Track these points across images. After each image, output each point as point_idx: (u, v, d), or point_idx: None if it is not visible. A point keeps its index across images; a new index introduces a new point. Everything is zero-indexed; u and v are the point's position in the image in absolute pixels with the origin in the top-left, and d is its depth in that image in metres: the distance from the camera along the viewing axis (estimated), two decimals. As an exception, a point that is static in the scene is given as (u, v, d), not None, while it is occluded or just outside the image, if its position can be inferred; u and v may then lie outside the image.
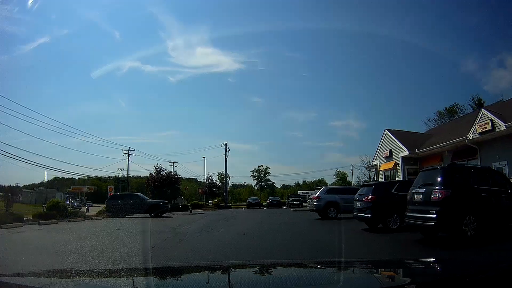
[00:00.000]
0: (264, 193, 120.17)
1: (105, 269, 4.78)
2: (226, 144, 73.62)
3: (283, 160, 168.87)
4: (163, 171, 60.77)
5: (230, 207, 69.06)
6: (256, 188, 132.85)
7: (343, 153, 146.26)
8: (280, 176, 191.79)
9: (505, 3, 78.55)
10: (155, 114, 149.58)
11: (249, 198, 72.62)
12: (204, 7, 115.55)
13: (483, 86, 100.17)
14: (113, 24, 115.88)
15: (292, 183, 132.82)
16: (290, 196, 67.60)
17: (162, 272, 3.38)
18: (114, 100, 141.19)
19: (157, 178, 59.48)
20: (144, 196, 38.92)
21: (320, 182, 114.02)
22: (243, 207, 67.26)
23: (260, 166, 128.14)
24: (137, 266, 6.22)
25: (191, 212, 45.36)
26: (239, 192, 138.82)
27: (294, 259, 9.79)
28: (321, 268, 3.66)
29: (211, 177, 78.26)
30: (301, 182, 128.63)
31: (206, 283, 3.08)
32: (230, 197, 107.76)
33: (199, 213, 42.74)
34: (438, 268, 3.34)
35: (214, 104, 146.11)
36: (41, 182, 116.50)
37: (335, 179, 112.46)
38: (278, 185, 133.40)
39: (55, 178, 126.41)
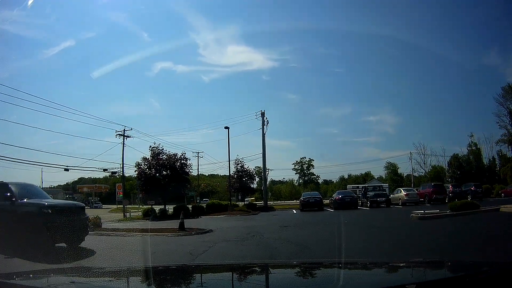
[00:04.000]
0: (307, 188, 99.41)
1: (105, 269, 4.09)
2: (263, 114, 46.20)
3: (320, 156, 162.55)
4: (163, 153, 34.74)
5: (272, 208, 43.81)
6: (297, 183, 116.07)
7: (379, 148, 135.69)
8: (321, 169, 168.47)
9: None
10: (189, 113, 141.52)
11: (304, 193, 42.87)
12: (233, 5, 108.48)
13: (507, 78, 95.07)
14: (141, 26, 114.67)
15: (333, 178, 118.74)
16: (367, 190, 41.02)
17: (162, 272, 3.22)
18: (147, 101, 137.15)
19: (154, 165, 33.87)
20: (17, 187, 12.18)
21: (367, 175, 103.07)
22: (292, 208, 42.07)
23: (303, 158, 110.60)
24: (138, 266, 5.46)
25: (181, 227, 17.71)
26: (279, 189, 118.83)
27: None
28: (321, 268, 3.46)
29: (242, 161, 46.79)
30: (346, 176, 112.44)
31: (207, 282, 2.93)
32: (269, 194, 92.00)
33: (202, 232, 17.29)
34: (438, 268, 3.15)
35: (249, 102, 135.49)
36: (66, 183, 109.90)
37: (385, 171, 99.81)
38: (321, 180, 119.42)
39: (81, 179, 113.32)
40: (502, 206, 22.39)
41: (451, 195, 38.15)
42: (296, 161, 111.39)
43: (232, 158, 45.50)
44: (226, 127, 43.06)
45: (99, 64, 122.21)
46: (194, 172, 76.27)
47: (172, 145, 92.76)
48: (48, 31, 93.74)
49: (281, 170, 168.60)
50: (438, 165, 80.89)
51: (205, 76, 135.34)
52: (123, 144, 47.01)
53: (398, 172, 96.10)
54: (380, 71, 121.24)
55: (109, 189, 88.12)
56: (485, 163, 77.13)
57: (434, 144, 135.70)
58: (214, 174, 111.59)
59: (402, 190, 40.67)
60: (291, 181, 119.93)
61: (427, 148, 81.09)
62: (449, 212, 21.10)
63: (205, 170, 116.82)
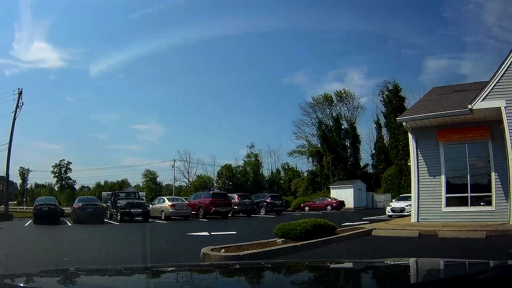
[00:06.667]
0: (64, 193, 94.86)
1: (105, 269, 3.77)
2: (20, 94, 34.53)
3: (86, 162, 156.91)
4: None
5: (10, 216, 31.24)
6: (56, 187, 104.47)
7: (140, 156, 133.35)
8: (79, 173, 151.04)
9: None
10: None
11: (38, 199, 30.77)
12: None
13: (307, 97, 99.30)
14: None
15: (91, 184, 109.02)
16: (117, 197, 29.45)
17: (162, 272, 3.13)
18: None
19: None
20: None
21: (124, 183, 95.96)
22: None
23: (62, 160, 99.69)
24: (138, 266, 5.75)
25: None
26: (39, 192, 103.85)
27: None
28: (319, 268, 3.21)
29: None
30: (102, 183, 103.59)
31: (208, 282, 2.70)
32: (28, 198, 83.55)
33: None
34: (438, 268, 2.92)
35: (30, 102, 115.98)
36: None
37: (143, 179, 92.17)
38: (78, 186, 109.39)
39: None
40: (371, 227, 15.19)
41: (237, 207, 30.84)
42: (55, 164, 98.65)
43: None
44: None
45: None
46: None
47: None
48: None
49: (45, 172, 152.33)
50: (205, 175, 75.21)
51: (8, 71, 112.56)
52: None
53: (157, 180, 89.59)
54: (158, 81, 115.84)
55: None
56: (266, 175, 75.25)
57: (204, 155, 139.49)
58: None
59: (166, 199, 29.95)
60: (50, 185, 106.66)
61: (193, 158, 77.49)
62: (282, 242, 9.82)
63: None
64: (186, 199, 32.98)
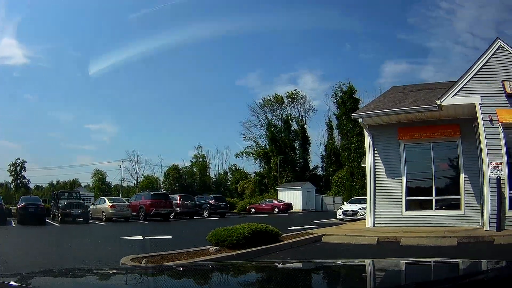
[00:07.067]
0: (19, 193, 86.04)
1: (105, 269, 3.76)
2: None
3: (42, 161, 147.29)
4: None
5: None
6: (12, 186, 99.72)
7: (92, 156, 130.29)
8: (33, 172, 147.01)
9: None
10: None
11: None
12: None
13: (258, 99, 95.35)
14: None
15: (44, 183, 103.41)
16: (60, 197, 27.92)
17: (162, 271, 2.96)
18: None
19: None
20: None
21: (75, 183, 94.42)
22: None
23: (17, 159, 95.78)
24: (137, 266, 5.63)
25: None
26: None
27: None
28: (319, 268, 3.10)
29: None
30: (55, 182, 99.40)
31: (207, 282, 2.58)
32: None
33: None
34: (438, 268, 2.80)
35: None
36: None
37: (93, 178, 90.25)
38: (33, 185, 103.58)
39: None
40: (321, 232, 13.45)
41: (179, 209, 29.83)
42: (12, 162, 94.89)
43: None
44: None
45: None
46: None
47: None
48: None
49: (3, 171, 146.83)
50: (152, 175, 73.53)
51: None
52: None
53: (107, 180, 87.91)
54: (112, 82, 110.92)
55: None
56: (213, 176, 73.94)
57: (152, 156, 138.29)
58: None
59: (106, 200, 28.14)
60: (7, 184, 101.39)
61: (141, 158, 75.66)
62: (215, 250, 8.06)
63: None
64: (128, 199, 31.62)
